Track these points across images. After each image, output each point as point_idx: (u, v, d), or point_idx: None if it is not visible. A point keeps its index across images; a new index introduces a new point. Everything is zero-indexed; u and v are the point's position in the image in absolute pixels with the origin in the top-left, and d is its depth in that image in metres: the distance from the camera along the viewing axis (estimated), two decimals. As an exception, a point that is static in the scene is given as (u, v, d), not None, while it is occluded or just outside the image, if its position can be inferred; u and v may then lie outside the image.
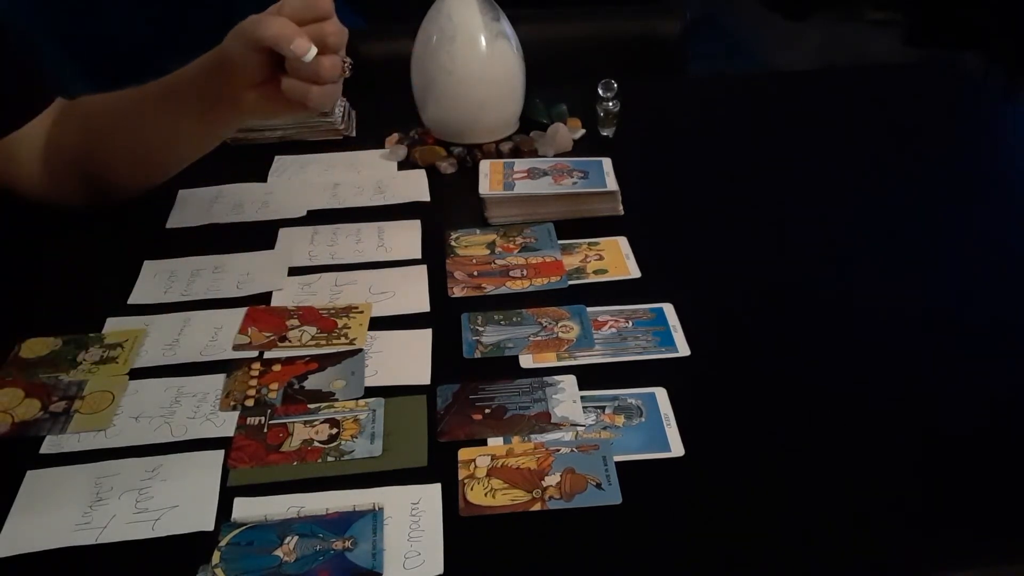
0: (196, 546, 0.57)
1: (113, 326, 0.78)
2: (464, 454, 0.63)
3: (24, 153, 0.90)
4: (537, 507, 0.59)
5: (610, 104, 1.05)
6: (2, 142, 0.89)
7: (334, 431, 0.66)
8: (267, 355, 0.74)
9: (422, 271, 0.84)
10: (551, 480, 0.61)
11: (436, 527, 0.58)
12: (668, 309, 0.77)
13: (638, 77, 1.18)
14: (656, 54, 1.50)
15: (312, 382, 0.71)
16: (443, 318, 0.77)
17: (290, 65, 0.77)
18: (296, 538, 0.58)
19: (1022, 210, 0.94)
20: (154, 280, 0.84)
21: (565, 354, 0.73)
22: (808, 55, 3.07)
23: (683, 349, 0.73)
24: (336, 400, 0.69)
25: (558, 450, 0.63)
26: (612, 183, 0.93)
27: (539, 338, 0.74)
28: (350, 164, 1.04)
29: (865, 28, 3.14)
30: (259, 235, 0.90)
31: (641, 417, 0.66)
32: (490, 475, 0.62)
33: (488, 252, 0.86)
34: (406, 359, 0.73)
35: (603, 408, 0.67)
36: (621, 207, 0.92)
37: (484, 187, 0.93)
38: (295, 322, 0.77)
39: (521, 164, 0.98)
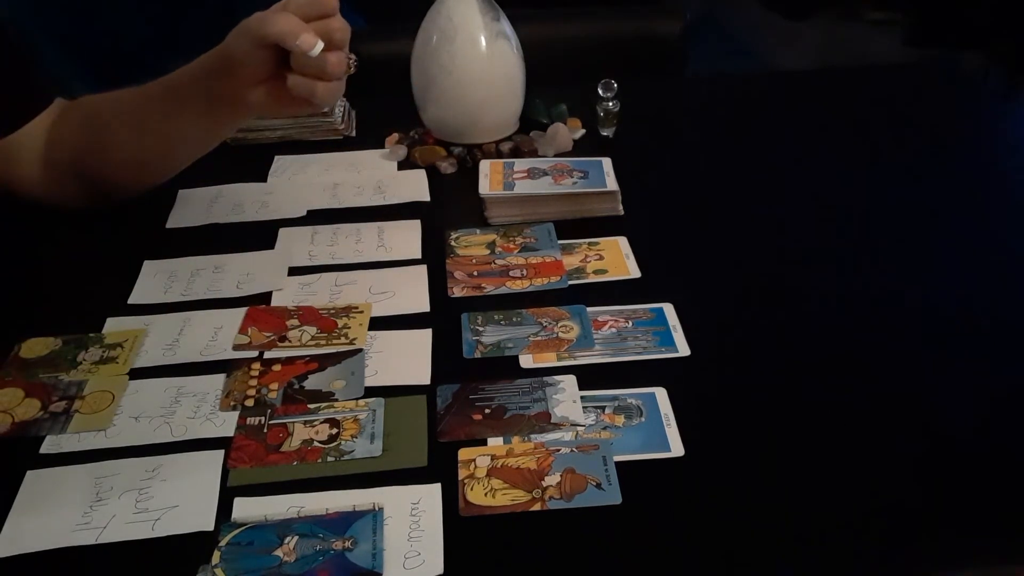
0: (196, 546, 0.57)
1: (113, 326, 0.78)
2: (464, 454, 0.63)
3: (24, 154, 0.90)
4: (537, 507, 0.59)
5: (610, 104, 1.05)
6: (2, 142, 0.89)
7: (334, 431, 0.66)
8: (267, 355, 0.74)
9: (422, 271, 0.84)
10: (551, 480, 0.61)
11: (436, 527, 0.58)
12: (668, 309, 0.77)
13: (638, 77, 1.18)
14: (656, 54, 1.50)
15: (312, 382, 0.71)
16: (443, 318, 0.77)
17: (296, 62, 0.77)
18: (296, 538, 0.58)
19: (1022, 210, 0.94)
20: (154, 280, 0.84)
21: (565, 354, 0.73)
22: (808, 55, 3.07)
23: (683, 349, 0.73)
24: (336, 400, 0.69)
25: (558, 450, 0.63)
26: (612, 183, 0.93)
27: (539, 338, 0.74)
28: (350, 164, 1.04)
29: (865, 28, 3.13)
30: (259, 235, 0.90)
31: (641, 417, 0.66)
32: (490, 475, 0.62)
33: (488, 252, 0.86)
34: (406, 359, 0.73)
35: (603, 408, 0.67)
36: (621, 207, 0.92)
37: (484, 187, 0.93)
38: (295, 322, 0.77)
39: (521, 164, 0.98)
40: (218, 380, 0.71)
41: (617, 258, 0.85)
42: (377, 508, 0.59)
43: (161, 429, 0.67)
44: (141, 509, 0.60)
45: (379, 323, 0.77)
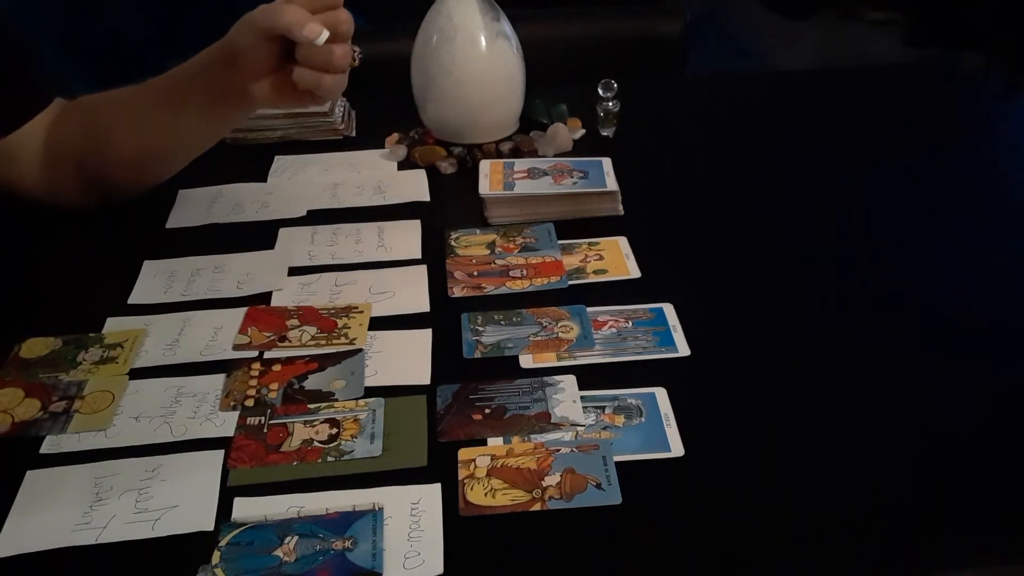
0: (196, 546, 0.57)
1: (113, 326, 0.78)
2: (464, 454, 0.63)
3: (24, 154, 0.90)
4: (537, 507, 0.59)
5: (610, 104, 1.05)
6: (1, 142, 0.89)
7: (334, 431, 0.66)
8: (267, 355, 0.74)
9: (422, 271, 0.84)
10: (551, 480, 0.61)
11: (436, 527, 0.58)
12: (668, 309, 0.77)
13: (638, 77, 1.18)
14: (656, 54, 1.50)
15: (312, 382, 0.71)
16: (443, 318, 0.77)
17: (303, 54, 0.77)
18: (296, 538, 0.58)
19: (1022, 210, 0.94)
20: (154, 280, 0.84)
21: (565, 354, 0.73)
22: (808, 55, 3.07)
23: (683, 349, 0.73)
24: (336, 400, 0.69)
25: (558, 450, 0.63)
26: (612, 183, 0.93)
27: (539, 338, 0.74)
28: (350, 164, 1.03)
29: (865, 28, 3.13)
30: (259, 235, 0.90)
31: (641, 417, 0.66)
32: (490, 475, 0.62)
33: (488, 252, 0.86)
34: (406, 359, 0.73)
35: (603, 408, 0.67)
36: (621, 207, 0.92)
37: (484, 187, 0.93)
38: (295, 322, 0.77)
39: (521, 164, 0.98)
40: (218, 380, 0.71)
41: (617, 258, 0.85)
42: (377, 508, 0.59)
43: (161, 429, 0.67)
44: (141, 509, 0.60)
45: (379, 323, 0.77)
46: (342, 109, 1.11)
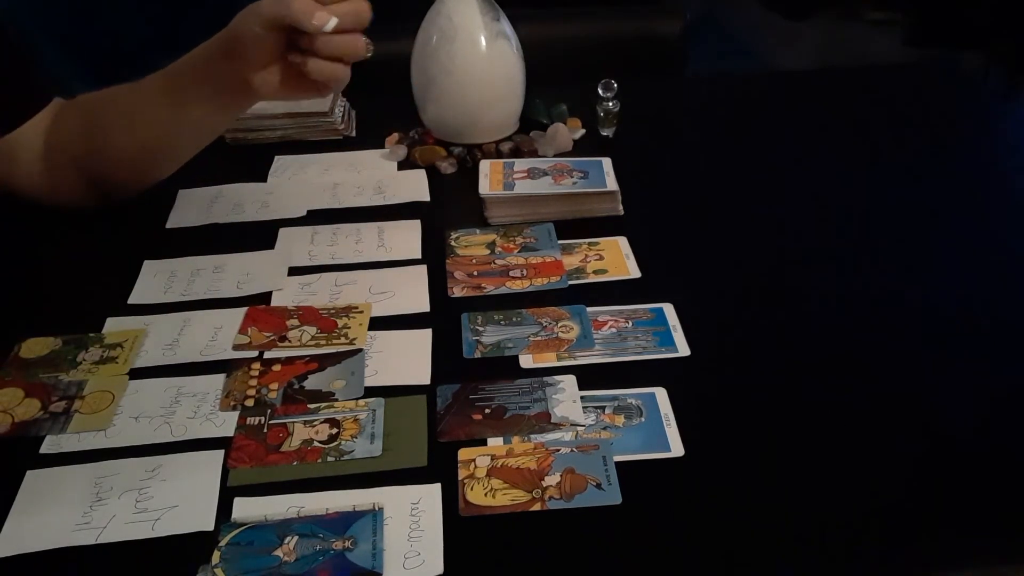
0: (196, 546, 0.57)
1: (113, 326, 0.78)
2: (464, 454, 0.63)
3: (23, 153, 0.90)
4: (537, 507, 0.59)
5: (610, 104, 1.05)
6: (0, 142, 0.89)
7: (334, 431, 0.66)
8: (267, 355, 0.74)
9: (422, 271, 0.84)
10: (551, 480, 0.61)
11: (436, 527, 0.58)
12: (668, 309, 0.77)
13: (638, 77, 1.18)
14: (656, 54, 1.50)
15: (312, 382, 0.71)
16: (443, 318, 0.77)
17: (321, 42, 0.77)
18: (296, 538, 0.58)
19: (1022, 210, 0.94)
20: (154, 280, 0.84)
21: (565, 354, 0.73)
22: (808, 55, 3.07)
23: (683, 349, 0.73)
24: (336, 400, 0.69)
25: (558, 450, 0.63)
26: (612, 183, 0.93)
27: (539, 338, 0.74)
28: (350, 164, 1.03)
29: (865, 28, 3.13)
30: (259, 235, 0.90)
31: (641, 417, 0.66)
32: (490, 475, 0.62)
33: (488, 252, 0.86)
34: (406, 359, 0.73)
35: (603, 408, 0.67)
36: (621, 207, 0.92)
37: (484, 187, 0.93)
38: (295, 322, 0.77)
39: (521, 164, 0.98)
40: (218, 380, 0.71)
41: (617, 258, 0.85)
42: (377, 508, 0.59)
43: (161, 429, 0.67)
44: (141, 509, 0.60)
45: (379, 323, 0.77)
46: (342, 109, 1.11)
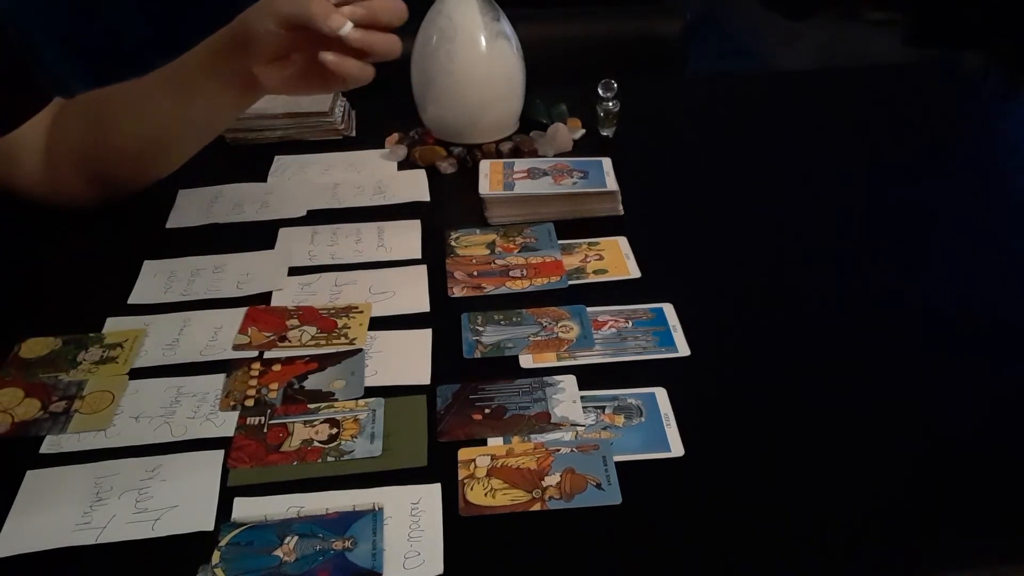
0: (196, 546, 0.57)
1: (113, 326, 0.78)
2: (464, 454, 0.63)
3: (24, 153, 0.90)
4: (537, 507, 0.59)
5: (610, 104, 1.05)
6: (1, 142, 0.89)
7: (334, 431, 0.66)
8: (267, 355, 0.74)
9: (422, 271, 0.84)
10: (551, 480, 0.61)
11: (436, 527, 0.58)
12: (668, 309, 0.77)
13: (638, 77, 1.18)
14: (656, 54, 1.50)
15: (312, 382, 0.71)
16: (443, 318, 0.77)
17: (361, 39, 0.78)
18: (296, 538, 0.58)
19: (1022, 210, 0.94)
20: (154, 280, 0.84)
21: (565, 354, 0.73)
22: (808, 55, 3.07)
23: (683, 349, 0.73)
24: (336, 400, 0.69)
25: (558, 450, 0.63)
26: (612, 183, 0.93)
27: (539, 338, 0.74)
28: (350, 164, 1.04)
29: (865, 28, 3.13)
30: (259, 235, 0.90)
31: (641, 417, 0.66)
32: (490, 475, 0.62)
33: (488, 252, 0.86)
34: (406, 359, 0.73)
35: (603, 408, 0.67)
36: (621, 207, 0.92)
37: (484, 187, 0.93)
38: (295, 322, 0.77)
39: (521, 164, 0.98)
40: (218, 380, 0.71)
41: (617, 258, 0.85)
42: (377, 508, 0.59)
43: (161, 429, 0.67)
44: (141, 509, 0.60)
45: (379, 323, 0.77)
46: (342, 109, 1.11)
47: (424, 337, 0.75)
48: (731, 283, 0.82)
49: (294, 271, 0.85)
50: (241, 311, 0.79)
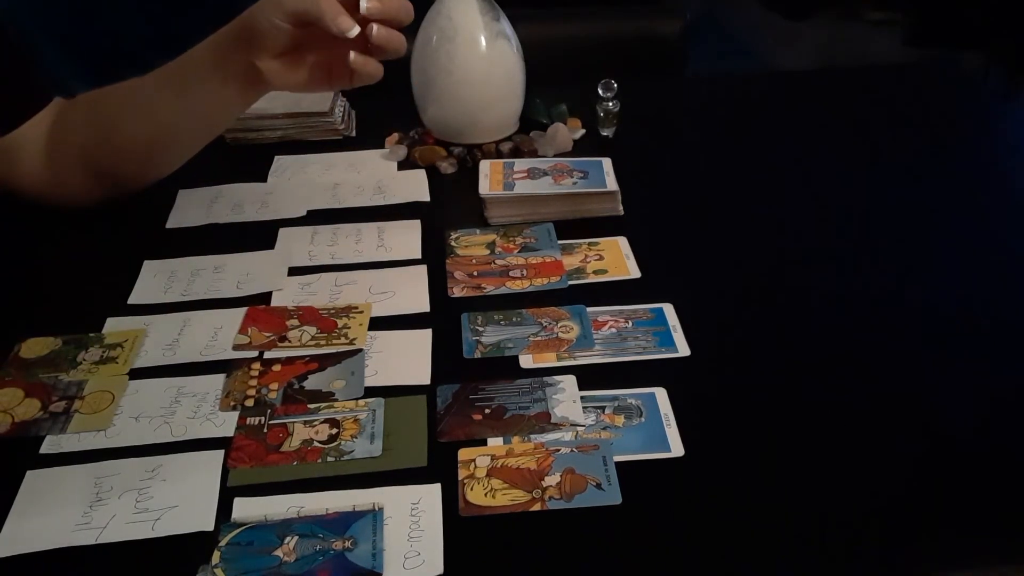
0: (196, 546, 0.57)
1: (113, 326, 0.78)
2: (464, 454, 0.63)
3: (24, 153, 0.90)
4: (537, 507, 0.59)
5: (610, 104, 1.05)
6: (1, 142, 0.89)
7: (334, 431, 0.66)
8: (267, 355, 0.74)
9: (422, 271, 0.84)
10: (551, 480, 0.61)
11: (436, 527, 0.58)
12: (668, 309, 0.77)
13: (638, 77, 1.18)
14: (656, 54, 1.50)
15: (312, 382, 0.71)
16: (443, 318, 0.77)
17: (375, 35, 0.79)
18: (296, 538, 0.58)
19: (1022, 210, 0.94)
20: (154, 280, 0.84)
21: (565, 354, 0.73)
22: (808, 55, 3.07)
23: (683, 349, 0.73)
24: (336, 400, 0.69)
25: (558, 450, 0.63)
26: (612, 183, 0.93)
27: (539, 338, 0.74)
28: (350, 164, 1.04)
29: (865, 28, 3.13)
30: (259, 235, 0.90)
31: (641, 417, 0.66)
32: (490, 475, 0.62)
33: (488, 252, 0.86)
34: (406, 359, 0.73)
35: (603, 408, 0.67)
36: (621, 207, 0.92)
37: (484, 187, 0.93)
38: (295, 322, 0.77)
39: (521, 164, 0.98)
40: (218, 380, 0.71)
41: (617, 258, 0.85)
42: (377, 508, 0.59)
43: (161, 429, 0.67)
44: (141, 509, 0.60)
45: (379, 323, 0.77)
46: (342, 109, 1.11)
47: (424, 337, 0.75)
48: (731, 283, 0.82)
49: (294, 271, 0.85)
50: (241, 311, 0.79)
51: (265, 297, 0.81)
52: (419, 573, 0.55)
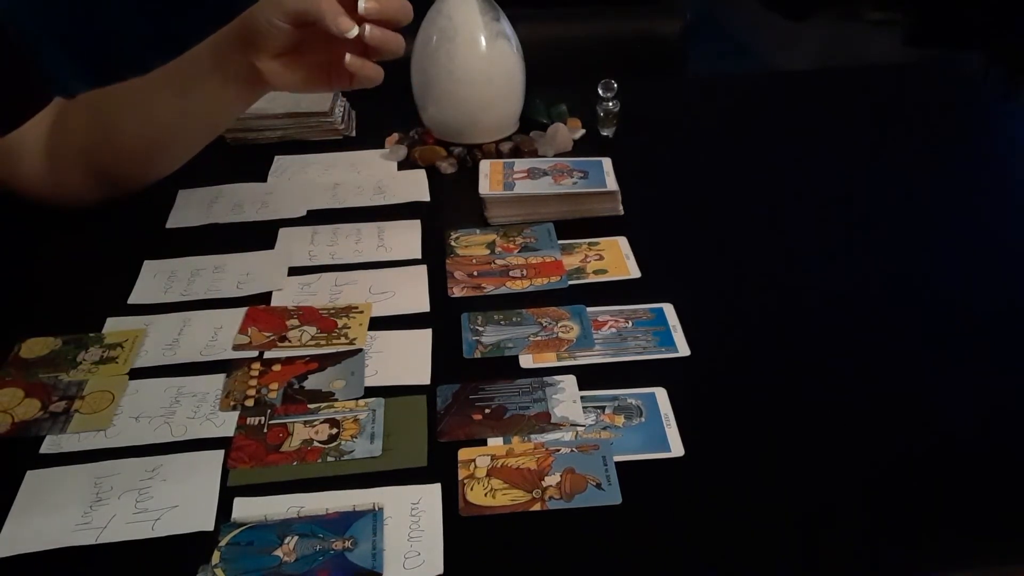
0: (196, 546, 0.57)
1: (113, 326, 0.78)
2: (464, 454, 0.63)
3: (24, 153, 0.90)
4: (537, 507, 0.59)
5: (610, 104, 1.05)
6: (1, 142, 0.89)
7: (334, 431, 0.66)
8: (267, 355, 0.74)
9: (422, 271, 0.84)
10: (551, 480, 0.61)
11: (436, 527, 0.58)
12: (668, 309, 0.77)
13: (638, 77, 1.18)
14: (656, 54, 1.50)
15: (312, 382, 0.71)
16: (443, 318, 0.77)
17: (371, 37, 0.79)
18: (296, 538, 0.58)
19: (1022, 210, 0.94)
20: (154, 280, 0.84)
21: (565, 354, 0.73)
22: (808, 55, 3.07)
23: (683, 349, 0.73)
24: (336, 400, 0.69)
25: (558, 450, 0.63)
26: (612, 183, 0.93)
27: (539, 338, 0.74)
28: (350, 164, 1.03)
29: (865, 28, 3.13)
30: (259, 235, 0.90)
31: (641, 417, 0.66)
32: (490, 475, 0.62)
33: (488, 252, 0.86)
34: (406, 359, 0.73)
35: (603, 408, 0.67)
36: (621, 207, 0.92)
37: (484, 187, 0.93)
38: (295, 322, 0.77)
39: (521, 164, 0.98)
40: (218, 380, 0.71)
41: (617, 258, 0.85)
42: (377, 508, 0.59)
43: (161, 429, 0.67)
44: (141, 509, 0.60)
45: (379, 323, 0.77)
46: (342, 109, 1.11)
47: (424, 337, 0.75)
48: (731, 283, 0.82)
49: (294, 271, 0.85)
50: (241, 311, 0.79)
51: (265, 297, 0.81)
52: (419, 573, 0.55)
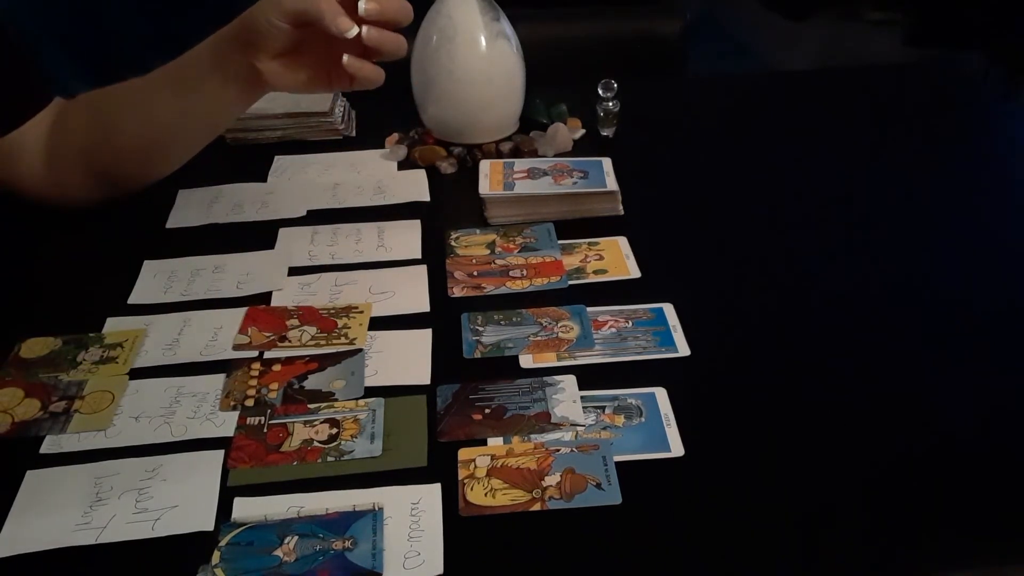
0: (196, 546, 0.57)
1: (113, 326, 0.78)
2: (464, 454, 0.63)
3: (24, 153, 0.90)
4: (537, 507, 0.59)
5: (610, 104, 1.05)
6: (1, 142, 0.89)
7: (334, 431, 0.66)
8: (267, 355, 0.74)
9: (422, 271, 0.84)
10: (551, 480, 0.61)
11: (436, 527, 0.58)
12: (668, 309, 0.77)
13: (638, 77, 1.18)
14: (656, 54, 1.50)
15: (312, 382, 0.71)
16: (443, 318, 0.77)
17: (369, 38, 0.79)
18: (296, 538, 0.58)
19: (1022, 210, 0.94)
20: (154, 280, 0.84)
21: (565, 354, 0.73)
22: (808, 55, 3.07)
23: (683, 349, 0.73)
24: (336, 400, 0.69)
25: (558, 450, 0.63)
26: (612, 183, 0.93)
27: (539, 338, 0.74)
28: (350, 164, 1.04)
29: (865, 28, 3.13)
30: (259, 235, 0.90)
31: (641, 417, 0.66)
32: (490, 475, 0.62)
33: (488, 252, 0.86)
34: (406, 359, 0.73)
35: (603, 408, 0.67)
36: (621, 207, 0.92)
37: (484, 187, 0.93)
38: (295, 322, 0.77)
39: (521, 164, 0.98)
40: (218, 380, 0.71)
41: (617, 258, 0.85)
42: (377, 508, 0.59)
43: (161, 429, 0.67)
44: (141, 509, 0.60)
45: (379, 323, 0.77)
46: (342, 109, 1.11)
47: (424, 337, 0.75)
48: (731, 283, 0.82)
49: (294, 271, 0.85)
50: (241, 311, 0.79)
51: (265, 297, 0.81)
52: (419, 573, 0.55)
